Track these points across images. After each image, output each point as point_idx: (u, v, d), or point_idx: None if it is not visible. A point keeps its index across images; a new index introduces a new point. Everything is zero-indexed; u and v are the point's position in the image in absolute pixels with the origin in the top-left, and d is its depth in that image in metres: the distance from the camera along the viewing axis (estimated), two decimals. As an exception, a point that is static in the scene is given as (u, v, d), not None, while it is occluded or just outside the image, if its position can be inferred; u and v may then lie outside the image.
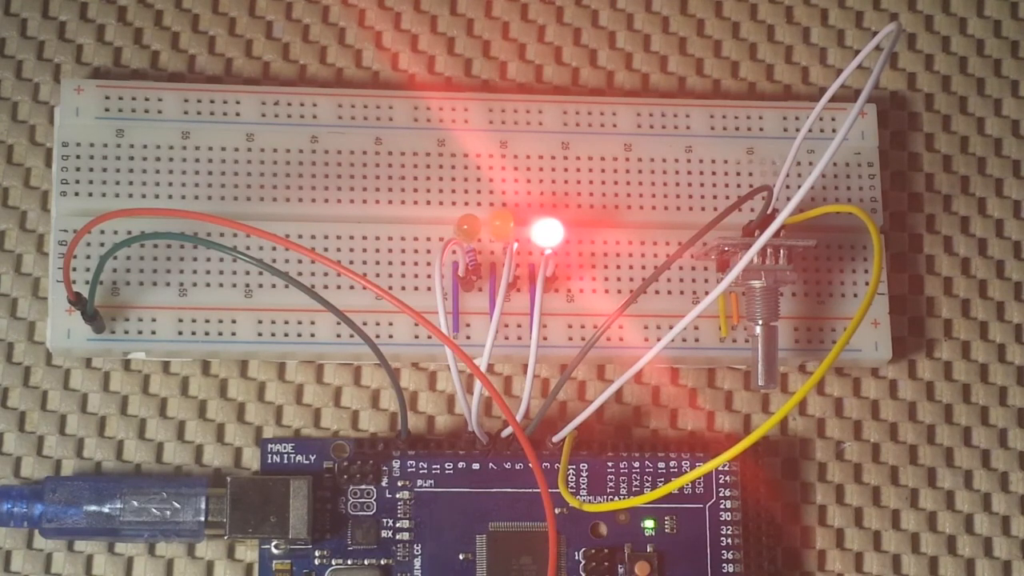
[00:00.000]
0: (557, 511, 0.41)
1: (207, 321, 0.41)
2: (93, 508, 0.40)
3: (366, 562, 0.41)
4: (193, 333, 0.41)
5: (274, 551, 0.40)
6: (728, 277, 0.36)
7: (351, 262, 0.42)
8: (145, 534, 0.40)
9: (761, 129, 0.44)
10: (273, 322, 0.41)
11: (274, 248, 0.41)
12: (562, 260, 0.42)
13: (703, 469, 0.37)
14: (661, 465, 0.42)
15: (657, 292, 0.42)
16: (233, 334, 0.41)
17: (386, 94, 0.43)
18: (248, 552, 0.41)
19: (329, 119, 0.43)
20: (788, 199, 0.36)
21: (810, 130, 0.40)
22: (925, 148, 0.46)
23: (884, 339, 0.43)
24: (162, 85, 0.43)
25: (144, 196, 0.42)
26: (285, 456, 0.41)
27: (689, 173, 0.43)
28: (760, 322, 0.41)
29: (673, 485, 0.38)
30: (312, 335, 0.41)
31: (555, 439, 0.41)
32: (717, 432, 0.43)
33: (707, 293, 0.38)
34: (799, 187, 0.36)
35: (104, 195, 0.42)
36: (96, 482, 0.40)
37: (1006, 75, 0.46)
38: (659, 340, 0.38)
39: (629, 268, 0.43)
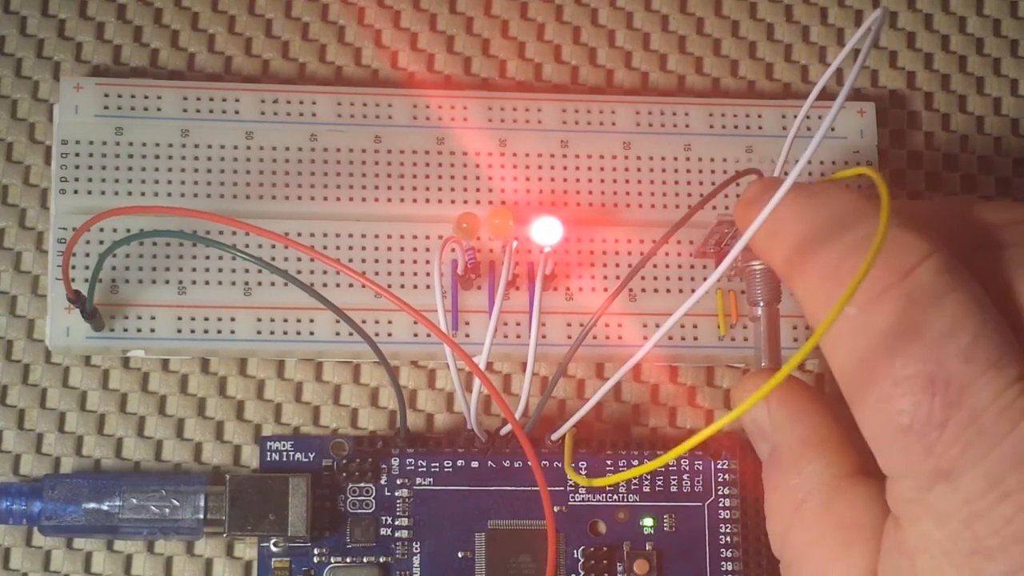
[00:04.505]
0: (556, 509, 0.41)
1: (206, 319, 0.41)
2: (92, 506, 0.40)
3: (365, 560, 0.41)
4: (192, 331, 0.41)
5: (273, 549, 0.40)
6: (729, 256, 0.35)
7: (350, 260, 0.42)
8: (144, 532, 0.40)
9: (760, 128, 0.44)
10: (272, 320, 0.41)
11: (273, 246, 0.41)
12: (561, 258, 0.42)
13: (696, 437, 0.34)
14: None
15: (656, 291, 0.43)
16: (232, 332, 0.41)
17: (385, 92, 0.43)
18: (247, 550, 0.42)
19: (328, 117, 0.43)
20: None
21: (808, 128, 0.40)
22: (925, 147, 0.46)
23: (883, 337, 0.43)
24: (161, 83, 0.43)
25: (143, 194, 0.42)
26: (284, 454, 0.41)
27: (688, 171, 0.43)
28: (762, 303, 0.40)
29: (682, 448, 0.35)
30: (311, 333, 0.41)
31: (554, 437, 0.41)
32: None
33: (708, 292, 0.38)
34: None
35: (103, 193, 0.42)
36: (95, 480, 0.40)
37: (1005, 74, 0.46)
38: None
39: (628, 266, 0.42)
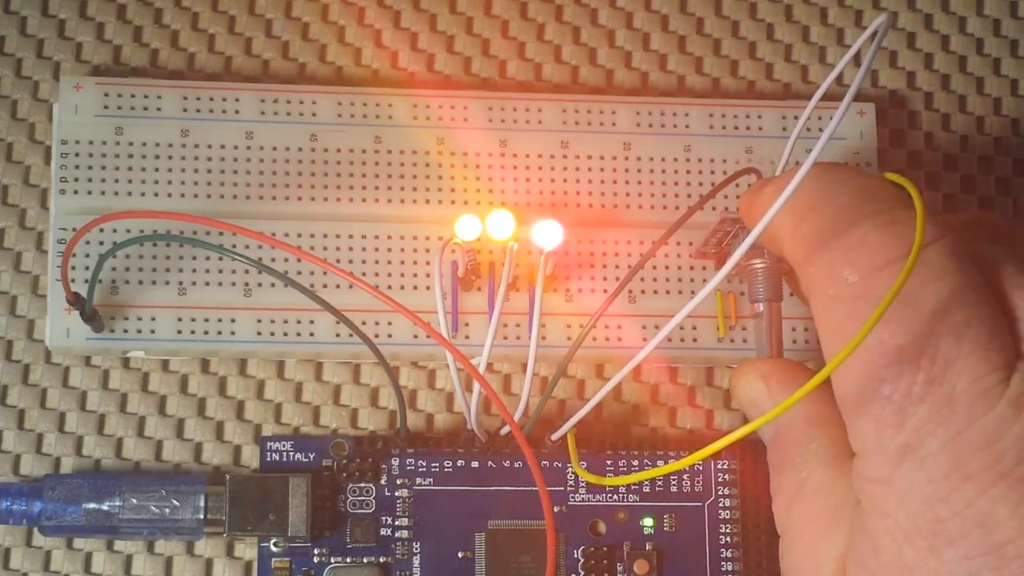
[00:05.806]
0: (556, 509, 0.41)
1: (206, 320, 0.41)
2: (92, 506, 0.40)
3: (365, 560, 0.41)
4: (192, 332, 0.41)
5: (273, 549, 0.40)
6: (733, 258, 0.35)
7: (350, 261, 0.42)
8: (144, 532, 0.40)
9: (760, 128, 0.44)
10: (272, 321, 0.41)
11: (273, 247, 0.41)
12: (561, 260, 0.42)
13: (711, 449, 0.35)
14: (660, 463, 0.42)
15: (656, 292, 0.43)
16: (232, 333, 0.41)
17: (385, 92, 0.43)
18: (247, 550, 0.42)
19: (328, 117, 0.43)
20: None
21: (808, 129, 0.40)
22: (925, 147, 0.46)
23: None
24: (161, 83, 0.43)
25: (144, 194, 0.42)
26: (284, 454, 0.41)
27: (688, 172, 0.43)
28: (763, 300, 0.40)
29: (685, 462, 0.36)
30: (311, 334, 0.41)
31: (554, 437, 0.41)
32: (716, 430, 0.43)
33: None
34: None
35: (103, 193, 0.42)
36: (95, 480, 0.40)
37: (1005, 74, 0.46)
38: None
39: (628, 267, 0.42)
